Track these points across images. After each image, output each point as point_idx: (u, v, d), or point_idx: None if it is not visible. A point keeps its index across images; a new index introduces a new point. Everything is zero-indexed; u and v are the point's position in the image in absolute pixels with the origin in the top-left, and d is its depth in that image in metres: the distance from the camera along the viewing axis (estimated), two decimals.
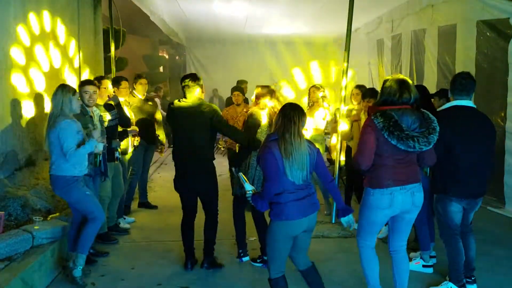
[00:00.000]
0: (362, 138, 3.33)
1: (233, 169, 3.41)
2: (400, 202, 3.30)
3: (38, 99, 5.46)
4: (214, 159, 4.43)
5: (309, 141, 3.28)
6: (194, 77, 4.34)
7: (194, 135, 4.22)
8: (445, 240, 3.89)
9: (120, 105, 5.20)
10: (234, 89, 6.48)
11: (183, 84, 4.28)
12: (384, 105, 3.28)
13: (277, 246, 3.23)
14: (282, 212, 3.14)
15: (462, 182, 3.71)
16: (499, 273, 4.38)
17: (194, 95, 4.28)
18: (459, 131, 3.63)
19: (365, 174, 3.42)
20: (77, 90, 4.21)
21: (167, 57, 20.44)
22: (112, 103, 5.04)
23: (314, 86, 6.42)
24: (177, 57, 21.43)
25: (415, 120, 3.23)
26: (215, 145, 5.64)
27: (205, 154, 4.30)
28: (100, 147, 4.12)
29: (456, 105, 3.71)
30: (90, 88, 4.39)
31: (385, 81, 3.35)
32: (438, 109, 3.85)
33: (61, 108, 3.90)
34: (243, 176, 3.43)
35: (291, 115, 3.16)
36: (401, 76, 3.36)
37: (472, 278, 3.97)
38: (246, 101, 6.80)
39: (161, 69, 18.61)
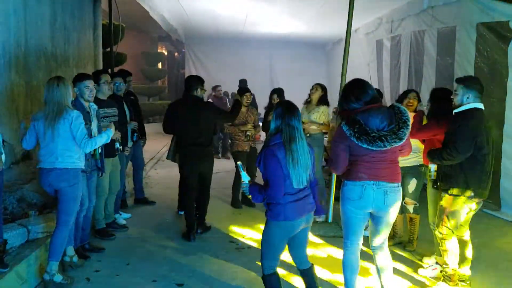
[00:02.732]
0: (333, 148, 3.38)
1: (238, 163, 3.49)
2: (371, 197, 3.30)
3: (36, 93, 5.45)
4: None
5: (308, 143, 3.31)
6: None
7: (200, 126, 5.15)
8: (449, 239, 3.89)
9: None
10: (246, 91, 6.56)
11: (197, 87, 5.16)
12: (347, 111, 3.32)
13: (272, 245, 3.25)
14: (280, 213, 3.14)
15: (484, 183, 3.79)
16: (494, 276, 4.38)
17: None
18: (484, 133, 3.73)
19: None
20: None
21: (166, 53, 20.41)
22: None
23: (318, 84, 6.39)
24: (176, 54, 21.42)
25: (383, 118, 3.24)
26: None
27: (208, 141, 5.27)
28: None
29: (477, 107, 3.78)
30: (91, 83, 4.31)
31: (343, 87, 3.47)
32: (457, 110, 3.85)
33: (66, 99, 3.84)
34: (242, 166, 3.45)
35: (291, 120, 3.15)
36: (357, 78, 3.44)
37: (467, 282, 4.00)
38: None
39: (159, 65, 18.60)
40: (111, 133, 4.17)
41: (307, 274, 3.45)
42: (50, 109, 3.78)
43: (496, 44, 6.27)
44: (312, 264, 3.49)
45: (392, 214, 3.40)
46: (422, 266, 4.56)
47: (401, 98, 4.97)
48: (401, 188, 3.43)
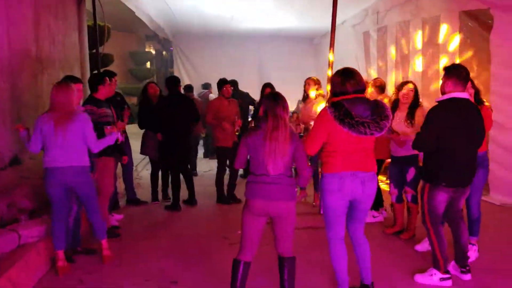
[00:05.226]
0: (314, 127, 3.46)
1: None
2: (349, 188, 3.37)
3: (21, 96, 5.42)
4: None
5: (292, 132, 3.36)
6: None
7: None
8: (431, 227, 3.91)
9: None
10: (225, 82, 6.62)
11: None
12: (336, 97, 3.40)
13: (244, 222, 3.39)
14: (247, 190, 3.39)
15: (455, 171, 3.77)
16: (484, 259, 4.45)
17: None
18: (455, 122, 3.69)
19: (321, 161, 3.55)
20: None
21: (153, 52, 20.34)
22: None
23: (310, 78, 6.42)
24: (164, 53, 21.34)
25: (366, 108, 3.32)
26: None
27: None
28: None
29: (455, 96, 3.74)
30: (76, 86, 4.39)
31: (333, 75, 3.51)
32: (437, 99, 3.86)
33: (73, 102, 4.08)
34: None
35: (276, 109, 3.27)
36: (347, 67, 3.50)
37: (467, 268, 4.03)
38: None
39: (148, 64, 18.53)
40: (115, 136, 4.48)
41: (284, 264, 3.45)
42: (60, 112, 3.98)
43: (478, 32, 6.32)
44: (294, 257, 3.48)
45: (369, 202, 3.50)
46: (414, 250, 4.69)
47: (399, 89, 4.98)
48: (376, 176, 3.54)
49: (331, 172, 3.39)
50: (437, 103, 3.83)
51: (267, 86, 6.65)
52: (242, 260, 3.39)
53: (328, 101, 3.59)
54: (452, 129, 3.69)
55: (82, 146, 4.11)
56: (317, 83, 6.32)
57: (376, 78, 6.12)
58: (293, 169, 3.45)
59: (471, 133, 3.78)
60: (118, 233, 5.27)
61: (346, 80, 3.37)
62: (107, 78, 5.20)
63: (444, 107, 3.75)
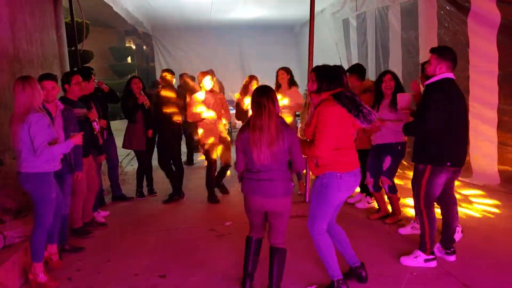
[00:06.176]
0: (325, 125, 3.23)
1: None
2: (358, 181, 3.44)
3: (2, 97, 5.35)
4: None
5: (285, 124, 3.32)
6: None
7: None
8: (425, 210, 3.93)
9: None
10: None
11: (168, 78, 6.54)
12: (328, 91, 3.32)
13: (247, 212, 3.53)
14: (244, 186, 3.44)
15: (458, 150, 3.84)
16: (468, 240, 4.52)
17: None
18: (455, 103, 3.73)
19: (320, 161, 3.39)
20: None
21: (134, 47, 20.14)
22: None
23: (282, 68, 6.43)
24: (144, 47, 21.15)
25: (358, 97, 3.32)
26: None
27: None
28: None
29: (448, 77, 3.76)
30: (48, 84, 4.16)
31: (319, 70, 3.39)
32: (429, 81, 3.83)
33: (31, 101, 3.67)
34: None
35: (260, 100, 3.24)
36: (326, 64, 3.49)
37: (452, 250, 4.10)
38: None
39: (129, 59, 18.37)
40: (71, 145, 3.95)
41: (275, 254, 3.47)
42: (15, 112, 3.68)
43: (456, 15, 6.38)
44: (285, 249, 3.49)
45: None
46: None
47: (378, 82, 4.96)
48: None
49: (348, 171, 3.32)
50: (431, 86, 3.79)
51: (251, 78, 6.56)
52: (253, 237, 3.57)
53: (309, 98, 3.54)
54: (456, 109, 3.72)
55: (32, 151, 3.68)
56: (289, 73, 6.33)
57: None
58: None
59: (465, 113, 3.87)
60: (90, 230, 5.18)
61: (337, 74, 3.35)
62: (74, 77, 4.88)
63: (442, 89, 3.72)
